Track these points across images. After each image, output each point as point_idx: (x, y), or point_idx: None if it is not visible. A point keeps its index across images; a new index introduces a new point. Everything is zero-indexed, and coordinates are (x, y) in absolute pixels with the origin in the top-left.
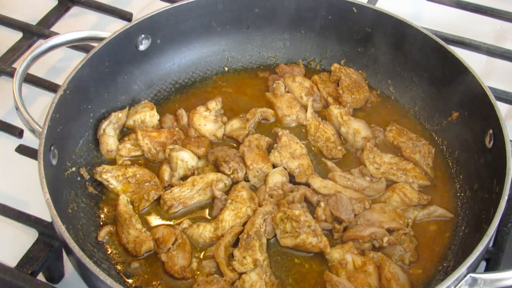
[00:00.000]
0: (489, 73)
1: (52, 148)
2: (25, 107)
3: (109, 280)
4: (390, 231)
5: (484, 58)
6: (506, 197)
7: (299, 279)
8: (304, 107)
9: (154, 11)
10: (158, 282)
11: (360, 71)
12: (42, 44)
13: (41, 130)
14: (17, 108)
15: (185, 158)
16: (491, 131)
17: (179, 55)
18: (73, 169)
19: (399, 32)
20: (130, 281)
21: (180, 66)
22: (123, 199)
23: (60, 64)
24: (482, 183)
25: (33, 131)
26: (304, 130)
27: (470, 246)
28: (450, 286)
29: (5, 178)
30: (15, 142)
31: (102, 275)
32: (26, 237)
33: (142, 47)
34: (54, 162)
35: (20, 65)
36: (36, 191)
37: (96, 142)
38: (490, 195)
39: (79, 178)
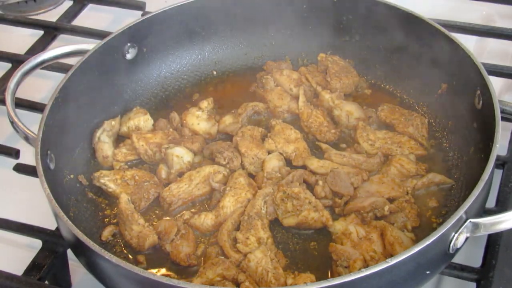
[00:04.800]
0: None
1: (49, 152)
2: (20, 120)
3: (128, 265)
4: (390, 200)
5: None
6: (498, 144)
7: (306, 258)
8: (295, 98)
9: (137, 19)
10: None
11: (347, 60)
12: (31, 60)
13: (36, 136)
14: (12, 122)
15: (180, 153)
16: (478, 91)
17: (166, 62)
18: (71, 176)
19: (381, 14)
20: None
21: (169, 73)
22: (124, 197)
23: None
24: (477, 145)
25: (29, 140)
26: (298, 122)
27: None
28: (450, 232)
29: (4, 199)
30: (12, 163)
31: (119, 261)
32: (30, 250)
33: (129, 56)
34: (52, 166)
35: (11, 80)
36: (36, 209)
37: (92, 151)
38: (486, 155)
39: (78, 185)
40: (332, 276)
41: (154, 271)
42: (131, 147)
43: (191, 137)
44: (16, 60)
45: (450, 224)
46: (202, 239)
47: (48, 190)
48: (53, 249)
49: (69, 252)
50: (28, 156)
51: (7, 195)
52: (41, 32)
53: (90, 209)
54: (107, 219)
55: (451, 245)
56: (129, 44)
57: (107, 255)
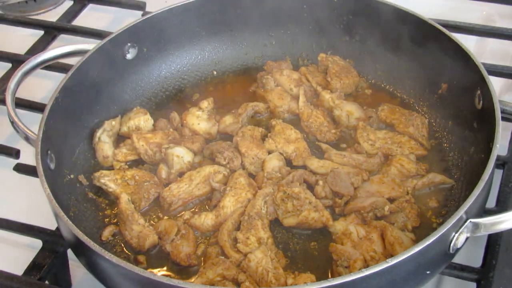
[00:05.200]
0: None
1: (49, 152)
2: (20, 120)
3: (129, 265)
4: (390, 200)
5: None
6: (498, 144)
7: (306, 258)
8: (295, 98)
9: (137, 19)
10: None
11: (347, 60)
12: (31, 60)
13: (36, 136)
14: (12, 122)
15: (181, 153)
16: (478, 91)
17: (167, 62)
18: (71, 176)
19: (381, 14)
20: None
21: (169, 73)
22: (124, 197)
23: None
24: (478, 145)
25: (29, 140)
26: (298, 122)
27: None
28: (450, 232)
29: (4, 199)
30: (12, 163)
31: (119, 261)
32: (30, 250)
33: (129, 56)
34: (52, 166)
35: (11, 80)
36: (36, 209)
37: (92, 151)
38: (486, 155)
39: (78, 185)
40: (333, 276)
41: (154, 271)
42: (131, 147)
43: (191, 137)
44: (16, 60)
45: (451, 224)
46: (202, 239)
47: (48, 190)
48: (53, 249)
49: (69, 252)
50: (28, 156)
51: (7, 195)
52: (41, 32)
53: (90, 209)
54: (107, 219)
55: (451, 245)
56: (129, 44)
57: (107, 255)
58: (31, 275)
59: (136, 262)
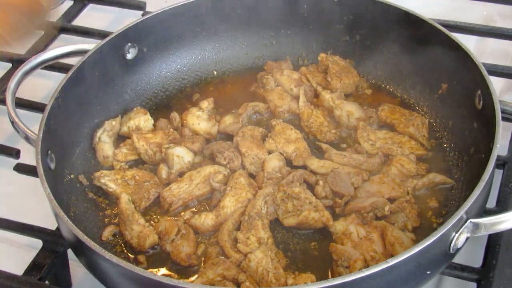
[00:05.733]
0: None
1: (49, 152)
2: (21, 120)
3: (129, 265)
4: (391, 200)
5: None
6: (498, 144)
7: (306, 258)
8: (295, 98)
9: (138, 19)
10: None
11: (348, 60)
12: (31, 60)
13: (36, 136)
14: (12, 122)
15: (181, 153)
16: (479, 91)
17: (167, 62)
18: (72, 176)
19: (381, 14)
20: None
21: (169, 73)
22: (125, 197)
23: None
24: (478, 145)
25: (29, 140)
26: (298, 122)
27: None
28: (451, 232)
29: (4, 199)
30: (12, 163)
31: (120, 261)
32: (31, 250)
33: (129, 56)
34: (52, 166)
35: (11, 80)
36: (36, 209)
37: (93, 151)
38: (487, 155)
39: (78, 185)
40: (333, 276)
41: (154, 271)
42: (131, 147)
43: (192, 137)
44: (16, 60)
45: (451, 224)
46: (203, 239)
47: (48, 190)
48: (53, 249)
49: (70, 252)
50: (29, 156)
51: (7, 195)
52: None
53: (91, 209)
54: (108, 219)
55: (452, 245)
56: (129, 44)
57: (107, 255)
58: (31, 275)
59: (136, 262)
